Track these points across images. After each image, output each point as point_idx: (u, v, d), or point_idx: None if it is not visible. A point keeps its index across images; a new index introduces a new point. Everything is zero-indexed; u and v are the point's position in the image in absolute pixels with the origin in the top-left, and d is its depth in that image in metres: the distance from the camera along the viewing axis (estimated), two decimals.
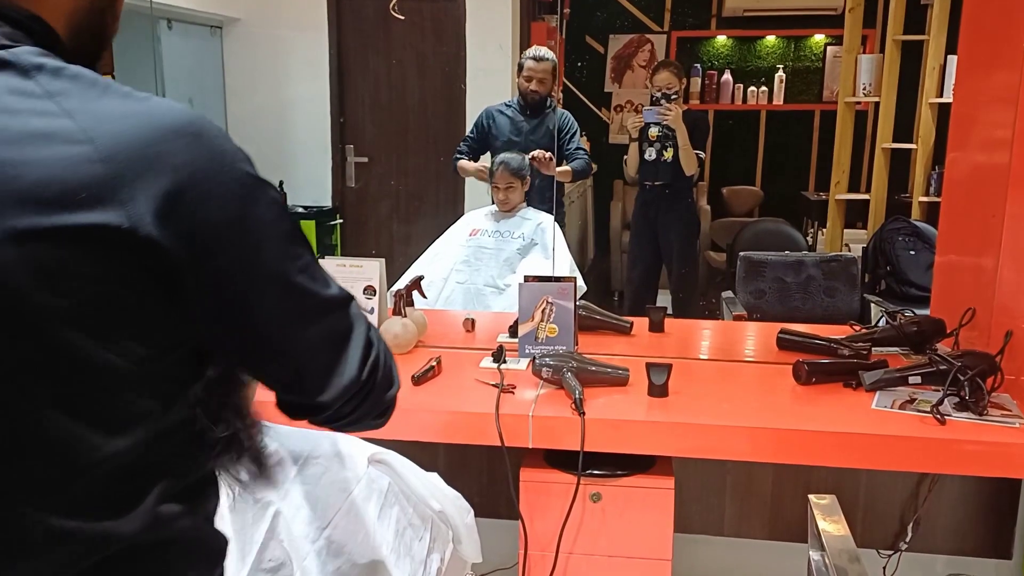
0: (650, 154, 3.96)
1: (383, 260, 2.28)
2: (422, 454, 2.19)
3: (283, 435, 1.14)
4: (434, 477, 1.39)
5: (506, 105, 3.64)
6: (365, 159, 4.54)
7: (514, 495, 1.87)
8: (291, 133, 4.57)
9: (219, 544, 0.85)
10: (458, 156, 3.61)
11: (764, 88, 6.16)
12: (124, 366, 0.71)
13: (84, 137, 0.67)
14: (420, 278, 2.34)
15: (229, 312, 0.75)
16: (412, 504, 1.24)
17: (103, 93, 0.70)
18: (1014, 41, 1.98)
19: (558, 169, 3.41)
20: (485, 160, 3.59)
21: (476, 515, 1.65)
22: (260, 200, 0.75)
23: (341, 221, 4.54)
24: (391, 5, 2.54)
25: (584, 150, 3.60)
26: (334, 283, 0.82)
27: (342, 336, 0.82)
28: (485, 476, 2.27)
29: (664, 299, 4.31)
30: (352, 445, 1.25)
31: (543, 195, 3.39)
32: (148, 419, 0.74)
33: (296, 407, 0.84)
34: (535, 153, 3.37)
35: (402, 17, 2.63)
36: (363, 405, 0.84)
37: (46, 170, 0.66)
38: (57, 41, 0.76)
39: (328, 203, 4.53)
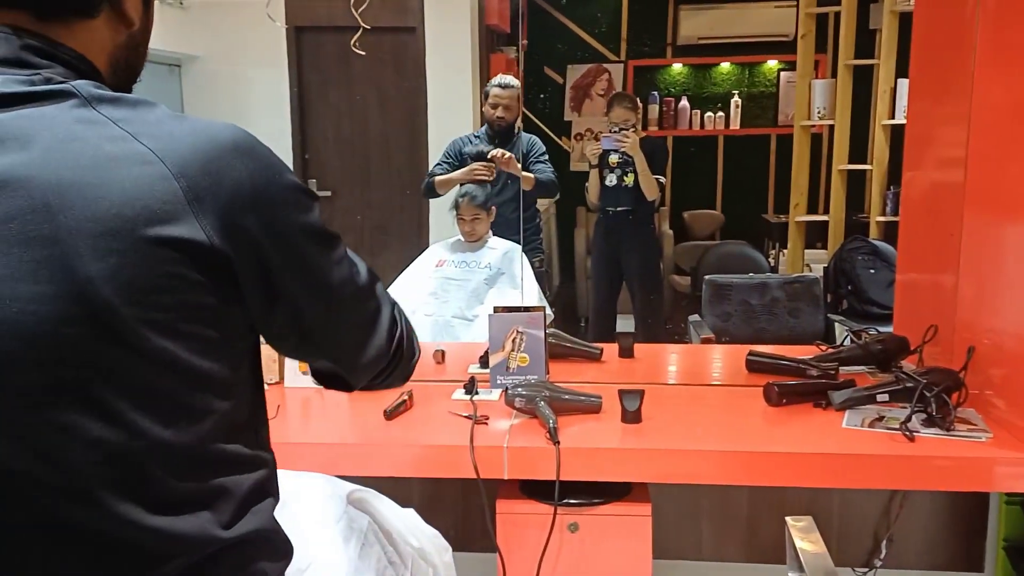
0: (611, 180, 3.99)
1: None
2: (395, 489, 2.16)
3: None
4: (411, 513, 1.37)
5: (474, 136, 3.66)
6: (328, 193, 4.53)
7: (491, 528, 1.86)
8: None
9: (288, 543, 0.90)
10: (433, 176, 3.57)
11: (721, 113, 6.27)
12: (205, 367, 0.76)
13: (155, 158, 0.73)
14: None
15: (284, 308, 0.83)
16: (392, 542, 1.23)
17: (160, 116, 0.77)
18: (963, 64, 2.04)
19: (522, 174, 3.43)
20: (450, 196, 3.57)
21: (452, 549, 1.64)
22: (306, 208, 0.83)
23: None
24: (352, 42, 2.55)
25: (551, 169, 3.63)
26: (363, 268, 0.92)
27: (372, 317, 0.93)
28: (460, 509, 2.25)
29: (626, 323, 4.33)
30: (331, 484, 1.24)
31: (513, 227, 3.40)
32: (222, 415, 0.79)
33: (332, 378, 0.96)
34: (494, 152, 3.38)
35: (363, 53, 2.64)
36: (392, 374, 0.98)
37: (126, 190, 0.71)
38: (100, 77, 0.82)
39: None
